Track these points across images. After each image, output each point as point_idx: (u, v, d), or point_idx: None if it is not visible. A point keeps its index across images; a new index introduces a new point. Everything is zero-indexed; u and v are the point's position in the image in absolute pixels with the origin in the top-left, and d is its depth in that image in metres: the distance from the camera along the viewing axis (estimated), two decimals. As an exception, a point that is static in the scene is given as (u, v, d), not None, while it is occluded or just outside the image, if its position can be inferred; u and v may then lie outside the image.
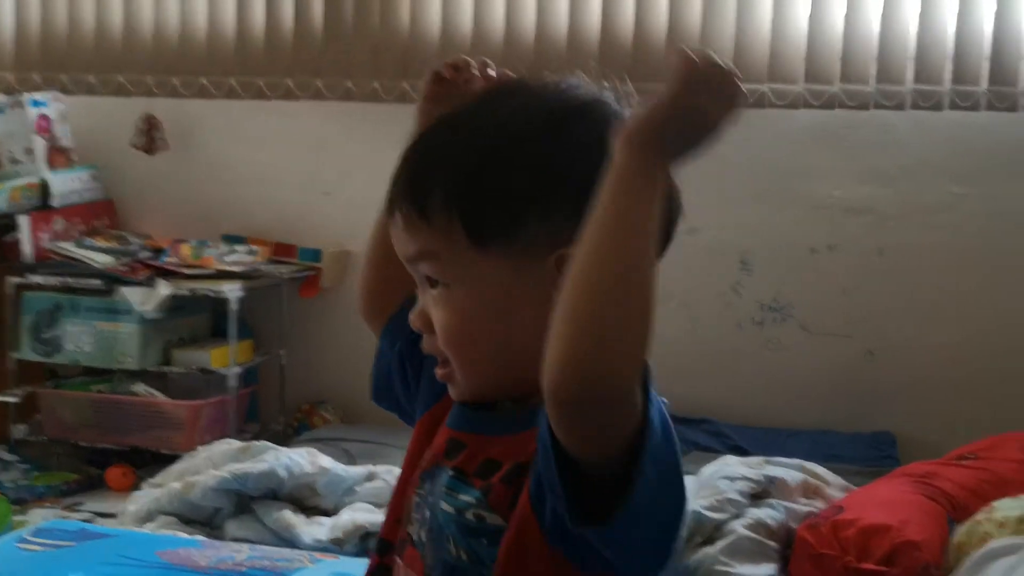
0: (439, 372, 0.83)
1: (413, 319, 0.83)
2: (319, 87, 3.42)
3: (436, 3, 3.36)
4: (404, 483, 0.88)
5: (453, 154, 0.80)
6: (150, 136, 3.50)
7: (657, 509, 0.70)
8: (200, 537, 1.82)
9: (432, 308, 0.81)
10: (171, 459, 2.87)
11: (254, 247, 3.36)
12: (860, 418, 3.29)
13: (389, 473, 2.23)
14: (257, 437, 2.72)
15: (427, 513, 0.82)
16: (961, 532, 1.97)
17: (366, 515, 2.01)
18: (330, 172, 3.56)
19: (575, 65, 0.90)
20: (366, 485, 2.19)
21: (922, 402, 3.27)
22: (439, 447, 0.84)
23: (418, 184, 0.80)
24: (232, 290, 3.10)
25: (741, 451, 2.87)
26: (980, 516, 1.97)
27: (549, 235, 0.77)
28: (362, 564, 1.61)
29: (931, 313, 3.27)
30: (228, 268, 3.20)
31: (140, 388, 3.14)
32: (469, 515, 0.78)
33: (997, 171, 3.20)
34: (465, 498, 0.78)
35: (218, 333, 3.42)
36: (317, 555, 1.59)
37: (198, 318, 3.37)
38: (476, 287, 0.78)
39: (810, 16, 3.18)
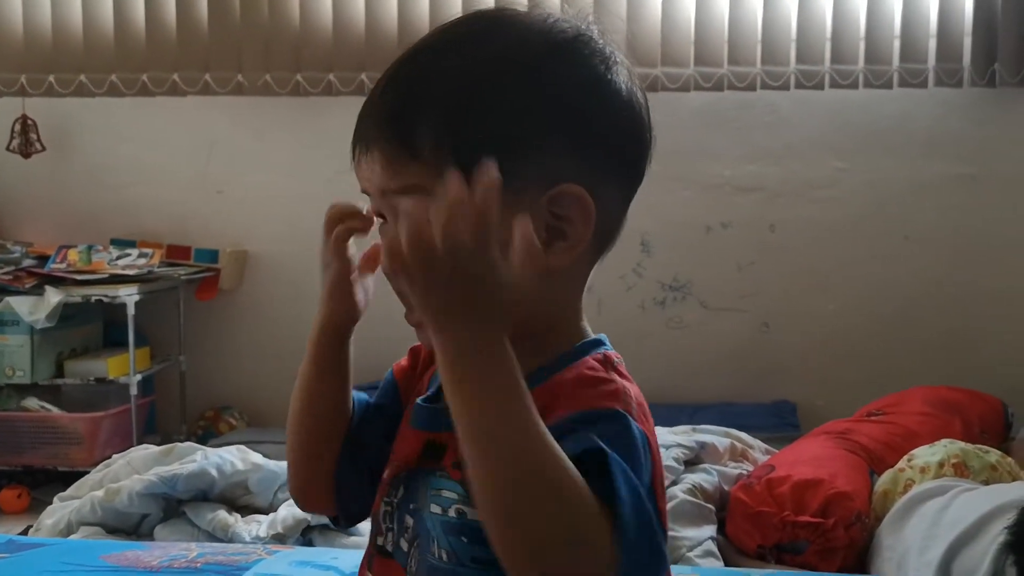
0: (411, 317, 0.76)
1: (384, 262, 0.77)
2: (207, 81, 3.31)
3: (327, -8, 3.30)
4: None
5: (445, 85, 0.74)
6: (25, 138, 3.32)
7: None
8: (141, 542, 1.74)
9: None
10: (69, 476, 2.73)
11: (147, 250, 3.23)
12: (761, 389, 3.41)
13: (322, 466, 2.17)
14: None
15: (408, 520, 0.77)
16: (885, 480, 2.07)
17: (305, 509, 1.95)
18: (222, 169, 3.46)
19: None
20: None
21: (816, 369, 3.41)
22: (412, 452, 0.79)
23: (404, 117, 0.74)
24: (129, 294, 2.97)
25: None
26: (902, 464, 2.07)
27: (543, 172, 0.74)
28: (320, 552, 1.57)
29: (820, 284, 3.41)
30: (122, 272, 3.06)
31: (32, 403, 2.96)
32: (451, 512, 0.74)
33: (875, 146, 3.37)
34: (448, 494, 0.75)
35: (110, 342, 3.27)
36: (272, 547, 1.54)
37: (90, 327, 3.21)
38: None
39: (696, 2, 3.27)
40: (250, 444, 2.83)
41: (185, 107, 3.39)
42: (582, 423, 0.70)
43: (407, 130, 0.73)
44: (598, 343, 0.80)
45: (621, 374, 0.77)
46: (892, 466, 2.13)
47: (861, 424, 2.43)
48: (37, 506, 2.87)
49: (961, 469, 1.96)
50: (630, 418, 0.71)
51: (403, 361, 0.89)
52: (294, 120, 3.41)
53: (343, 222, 0.81)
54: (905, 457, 2.09)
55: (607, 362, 0.77)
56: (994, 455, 2.04)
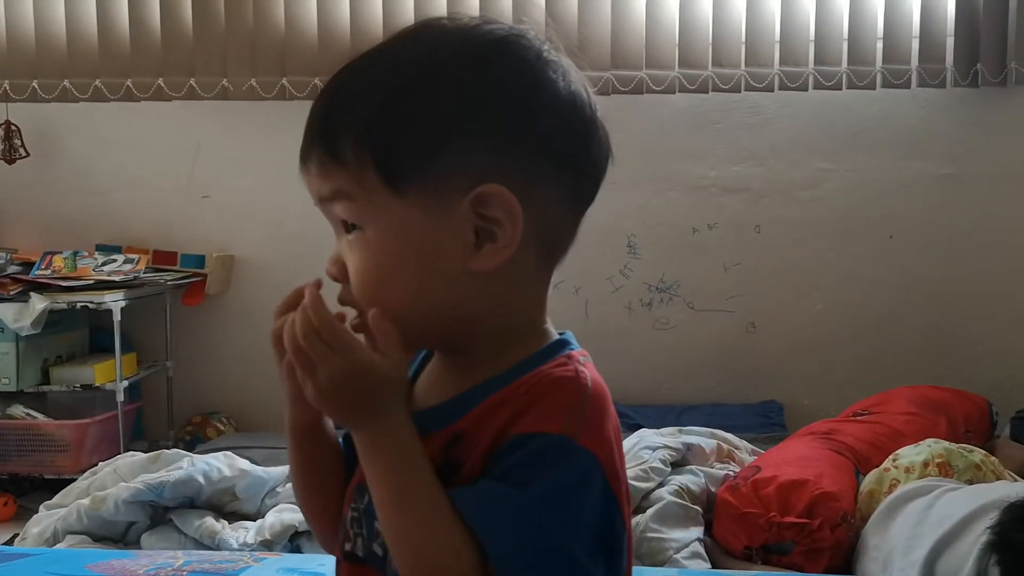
0: (353, 323, 0.77)
1: (328, 267, 0.78)
2: (192, 86, 3.30)
3: (311, -5, 3.30)
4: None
5: (363, 92, 0.74)
6: (8, 144, 3.31)
7: None
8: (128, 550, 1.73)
9: (347, 254, 0.77)
10: (55, 484, 2.72)
11: (133, 255, 3.22)
12: (747, 389, 3.43)
13: (309, 472, 2.17)
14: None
15: (378, 526, 0.76)
16: (870, 480, 2.08)
17: (293, 515, 1.96)
18: (208, 174, 3.45)
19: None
20: (288, 486, 2.12)
21: (802, 369, 3.43)
22: None
23: (328, 125, 0.75)
24: (115, 300, 2.96)
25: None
26: (887, 464, 2.08)
27: (465, 173, 0.73)
28: (307, 559, 1.57)
29: (805, 284, 3.43)
30: (108, 278, 3.05)
31: (18, 411, 2.95)
32: None
33: (858, 146, 3.39)
34: None
35: (96, 348, 3.26)
36: (259, 554, 1.53)
37: (75, 334, 3.20)
38: (390, 229, 0.74)
39: (680, 4, 3.28)
40: (239, 450, 2.83)
41: (170, 112, 3.38)
42: (515, 449, 0.71)
43: (331, 137, 0.74)
44: (561, 344, 0.79)
45: (581, 376, 0.76)
46: (878, 466, 2.14)
47: (847, 424, 2.44)
48: (23, 514, 2.85)
49: (945, 469, 1.97)
50: (569, 441, 0.71)
51: None
52: (280, 124, 3.39)
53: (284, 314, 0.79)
54: (890, 457, 2.10)
55: (569, 364, 0.76)
56: (978, 454, 2.05)
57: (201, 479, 1.99)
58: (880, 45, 3.25)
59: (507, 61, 0.76)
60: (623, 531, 0.75)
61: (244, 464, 2.07)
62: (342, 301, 0.78)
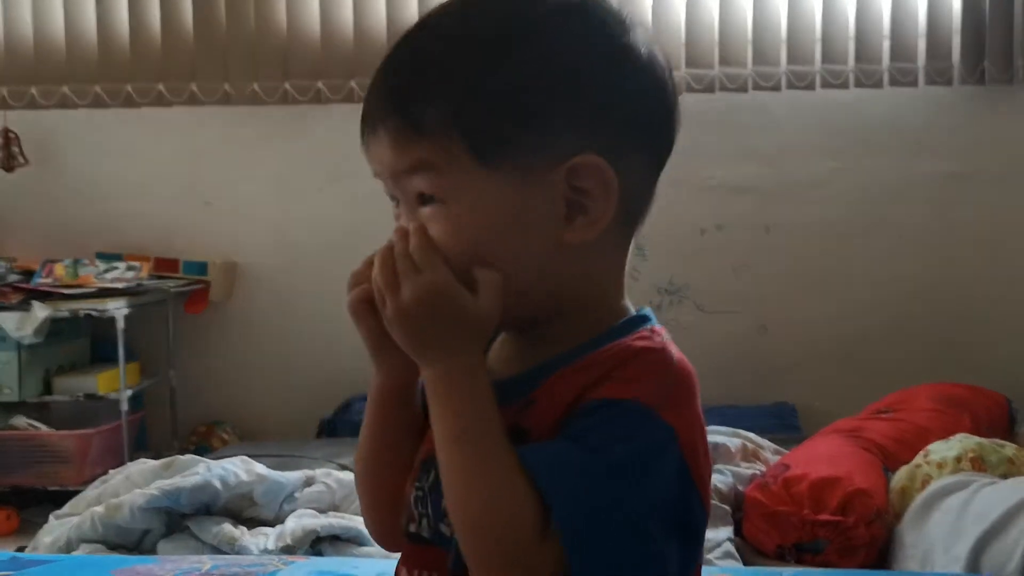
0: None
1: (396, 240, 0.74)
2: (193, 91, 3.26)
3: (314, -2, 3.26)
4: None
5: (448, 57, 0.71)
6: (7, 152, 3.25)
7: None
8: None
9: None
10: (58, 496, 2.66)
11: (135, 263, 3.16)
12: (760, 391, 3.39)
13: (328, 476, 2.12)
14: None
15: (445, 504, 0.73)
16: (901, 477, 2.04)
17: (313, 520, 1.91)
18: (210, 180, 3.40)
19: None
20: (305, 491, 2.07)
21: (815, 371, 3.39)
22: None
23: (409, 94, 0.70)
24: (118, 308, 2.91)
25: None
26: (918, 460, 2.05)
27: (557, 144, 0.70)
28: (340, 563, 1.53)
29: (815, 285, 3.40)
30: (111, 285, 2.99)
31: (20, 421, 2.89)
32: None
33: (866, 145, 3.37)
34: None
35: (98, 358, 3.21)
36: (288, 558, 1.49)
37: (77, 343, 3.15)
38: (479, 203, 0.70)
39: (686, 4, 3.27)
40: (248, 459, 2.78)
41: (171, 117, 3.33)
42: (591, 413, 0.68)
43: (411, 106, 0.70)
44: (642, 319, 0.76)
45: (667, 348, 0.73)
46: (906, 463, 2.11)
47: (871, 422, 2.42)
48: (26, 527, 2.79)
49: (979, 464, 1.94)
50: (650, 411, 0.68)
51: None
52: (282, 129, 3.36)
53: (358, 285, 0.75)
54: (921, 453, 2.06)
55: (653, 337, 0.74)
56: (1010, 449, 2.02)
57: (218, 484, 1.94)
58: (887, 44, 3.24)
59: (592, 26, 0.72)
60: (703, 517, 0.71)
61: (261, 469, 2.03)
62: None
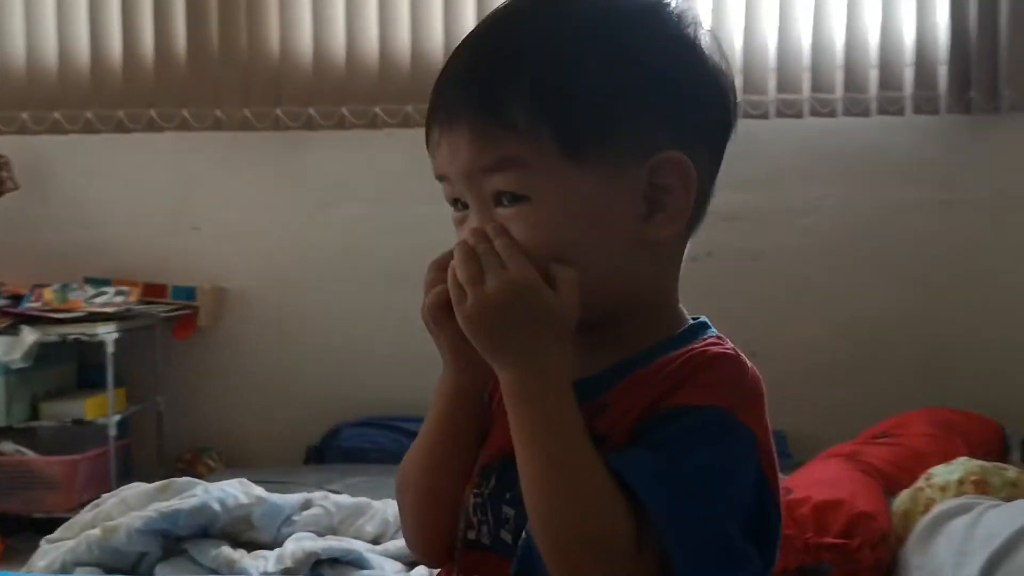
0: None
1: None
2: (185, 117, 3.24)
3: (307, 24, 3.26)
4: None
5: (534, 53, 0.69)
6: (-4, 176, 3.22)
7: None
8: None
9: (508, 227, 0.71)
10: (44, 523, 2.62)
11: (124, 288, 3.14)
12: (750, 418, 3.39)
13: (326, 499, 2.09)
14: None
15: (508, 511, 0.72)
16: (904, 500, 2.04)
17: (313, 543, 1.88)
18: (199, 206, 3.38)
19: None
20: (303, 514, 2.05)
21: (805, 398, 3.39)
22: (510, 440, 0.74)
23: (494, 88, 0.69)
24: (108, 332, 2.87)
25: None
26: (921, 483, 2.05)
27: (643, 141, 0.71)
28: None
29: (804, 311, 3.42)
30: (100, 310, 2.96)
31: (7, 446, 2.84)
32: None
33: (853, 173, 3.40)
34: None
35: (84, 383, 3.17)
36: (294, 579, 1.46)
37: (64, 368, 3.11)
38: (566, 199, 0.69)
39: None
40: (236, 485, 2.73)
41: (161, 143, 3.32)
42: (670, 421, 0.68)
43: (498, 101, 0.69)
44: (704, 326, 0.78)
45: (741, 355, 0.74)
46: (905, 487, 2.10)
47: (869, 447, 2.42)
48: (11, 555, 2.74)
49: (982, 486, 1.95)
50: (731, 416, 0.68)
51: None
52: (273, 155, 3.35)
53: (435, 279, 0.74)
54: (923, 476, 2.06)
55: (724, 343, 0.75)
56: (1012, 472, 2.03)
57: (217, 506, 1.91)
58: (875, 73, 3.28)
59: (671, 24, 0.73)
60: (778, 523, 0.71)
61: (260, 491, 2.00)
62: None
